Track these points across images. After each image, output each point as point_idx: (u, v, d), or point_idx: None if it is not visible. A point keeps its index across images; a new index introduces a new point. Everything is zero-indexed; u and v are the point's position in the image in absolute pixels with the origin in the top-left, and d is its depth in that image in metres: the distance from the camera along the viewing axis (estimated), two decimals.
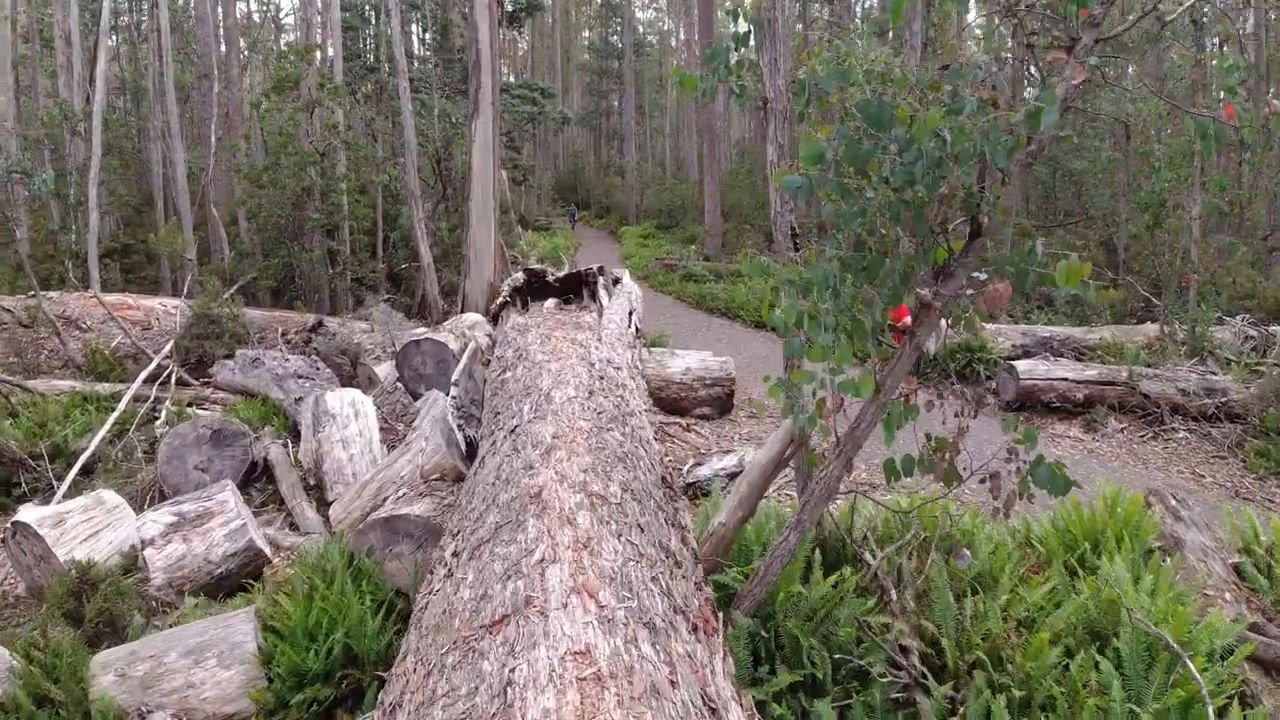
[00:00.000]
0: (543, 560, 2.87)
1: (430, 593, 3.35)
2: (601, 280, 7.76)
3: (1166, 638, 4.36)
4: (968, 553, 4.51)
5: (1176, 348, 14.66)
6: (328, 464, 8.43)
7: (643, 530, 3.34)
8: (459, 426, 7.07)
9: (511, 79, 30.07)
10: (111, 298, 14.32)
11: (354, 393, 8.61)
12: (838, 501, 6.67)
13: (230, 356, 11.52)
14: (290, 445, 9.36)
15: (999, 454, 4.16)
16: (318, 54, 13.79)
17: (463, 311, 13.49)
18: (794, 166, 4.27)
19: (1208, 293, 16.70)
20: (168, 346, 11.91)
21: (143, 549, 6.87)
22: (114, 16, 21.06)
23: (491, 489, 3.87)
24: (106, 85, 15.25)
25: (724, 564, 4.75)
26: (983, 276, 3.79)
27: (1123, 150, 31.82)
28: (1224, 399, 12.27)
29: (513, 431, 4.49)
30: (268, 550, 7.05)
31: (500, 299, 7.65)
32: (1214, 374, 12.98)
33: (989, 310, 3.70)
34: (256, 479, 9.35)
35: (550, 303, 7.59)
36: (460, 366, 7.27)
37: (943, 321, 13.59)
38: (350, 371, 11.16)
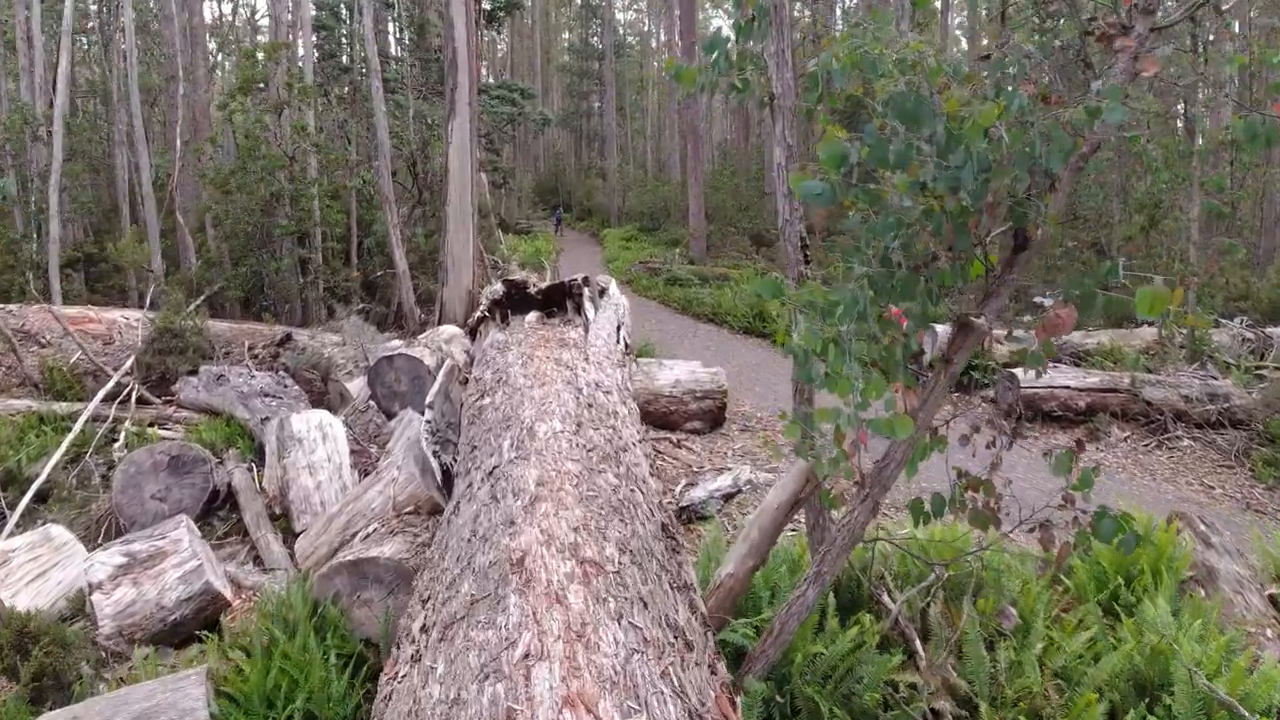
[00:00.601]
0: (528, 656, 2.35)
1: (395, 678, 2.82)
2: (587, 291, 7.23)
3: (1230, 700, 3.88)
4: (1013, 611, 4.01)
5: (1176, 352, 14.30)
6: (294, 491, 7.86)
7: (646, 605, 2.82)
8: (434, 453, 6.51)
9: (491, 80, 29.49)
10: (71, 310, 13.64)
11: (321, 414, 8.04)
12: None
13: (194, 373, 10.91)
14: (256, 469, 8.78)
15: (1052, 502, 3.65)
16: (286, 52, 13.18)
17: (440, 321, 12.91)
18: (806, 169, 3.75)
19: (1204, 294, 16.37)
20: (128, 362, 11.28)
21: (90, 594, 6.27)
22: (83, 17, 20.34)
23: (467, 547, 3.34)
24: (70, 88, 14.58)
25: (730, 620, 4.23)
26: (1047, 300, 3.29)
27: (1115, 150, 31.68)
28: (1227, 404, 11.91)
29: (491, 474, 3.96)
30: (227, 592, 6.47)
31: (478, 313, 7.11)
32: (1215, 379, 12.61)
33: (1049, 338, 3.20)
34: (219, 507, 8.75)
35: (532, 316, 7.06)
36: (435, 387, 6.72)
37: (937, 329, 13.01)
38: (321, 388, 10.57)
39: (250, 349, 11.02)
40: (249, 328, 12.31)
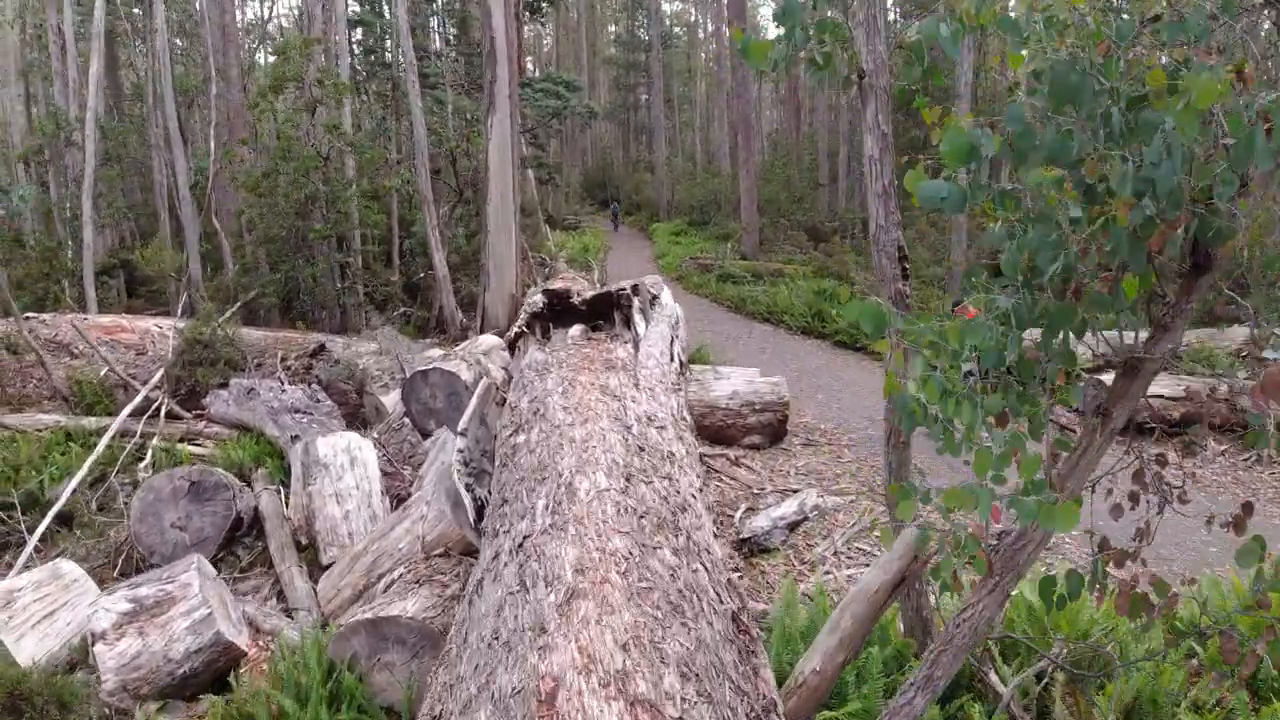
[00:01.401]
0: None
1: None
2: (636, 302, 6.47)
3: None
4: None
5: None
6: (320, 521, 7.26)
7: None
8: (468, 486, 5.82)
9: (535, 74, 28.70)
10: (105, 319, 13.30)
11: (349, 437, 7.42)
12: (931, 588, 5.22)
13: (225, 385, 10.41)
14: (284, 491, 8.22)
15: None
16: (319, 48, 12.64)
17: (482, 328, 12.28)
18: (919, 164, 2.91)
19: None
20: (157, 375, 10.82)
21: (93, 644, 5.72)
22: (124, 19, 20.13)
23: (488, 653, 2.64)
24: (106, 90, 14.26)
25: None
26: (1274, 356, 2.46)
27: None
28: None
29: (521, 546, 3.25)
30: (241, 641, 5.87)
31: (516, 326, 6.39)
32: None
33: (1267, 399, 2.35)
34: (245, 533, 8.22)
35: (575, 331, 6.34)
36: (469, 412, 6.04)
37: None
38: (356, 401, 10.00)
39: (283, 359, 10.50)
40: (284, 336, 11.81)
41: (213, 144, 14.99)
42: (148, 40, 15.18)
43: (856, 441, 10.49)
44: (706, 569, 3.28)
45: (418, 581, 5.28)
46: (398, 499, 8.03)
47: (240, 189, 12.80)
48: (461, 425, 6.05)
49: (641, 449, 4.06)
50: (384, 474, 8.30)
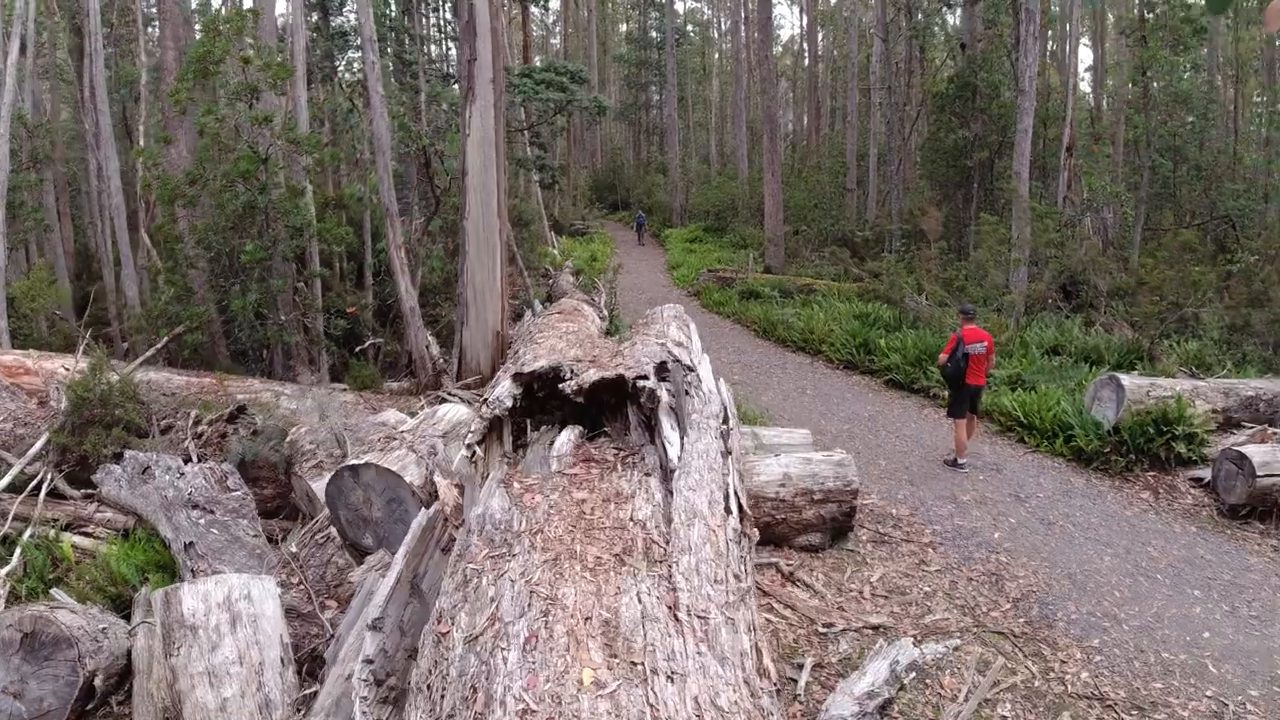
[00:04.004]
0: None
1: None
2: (664, 394, 3.98)
3: None
4: None
5: None
6: (188, 710, 4.84)
7: None
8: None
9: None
10: (7, 358, 10.88)
11: (231, 584, 5.02)
12: None
13: (121, 457, 8.01)
14: None
15: None
16: (251, 23, 10.23)
17: (460, 372, 9.84)
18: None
19: None
20: (39, 442, 8.45)
21: None
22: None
23: None
24: (18, 82, 11.92)
25: None
26: None
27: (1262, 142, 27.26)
28: None
29: None
30: None
31: (472, 438, 3.96)
32: None
33: None
34: (111, 692, 5.88)
35: (565, 441, 3.93)
36: (389, 583, 3.65)
37: (1124, 381, 9.05)
38: (283, 484, 7.63)
39: (195, 423, 8.10)
40: (210, 384, 9.39)
41: (140, 143, 12.62)
42: (86, 22, 12.83)
43: (943, 536, 8.03)
44: None
45: None
46: (313, 659, 5.64)
47: (159, 199, 10.43)
48: (375, 608, 3.64)
49: None
50: (299, 616, 5.90)
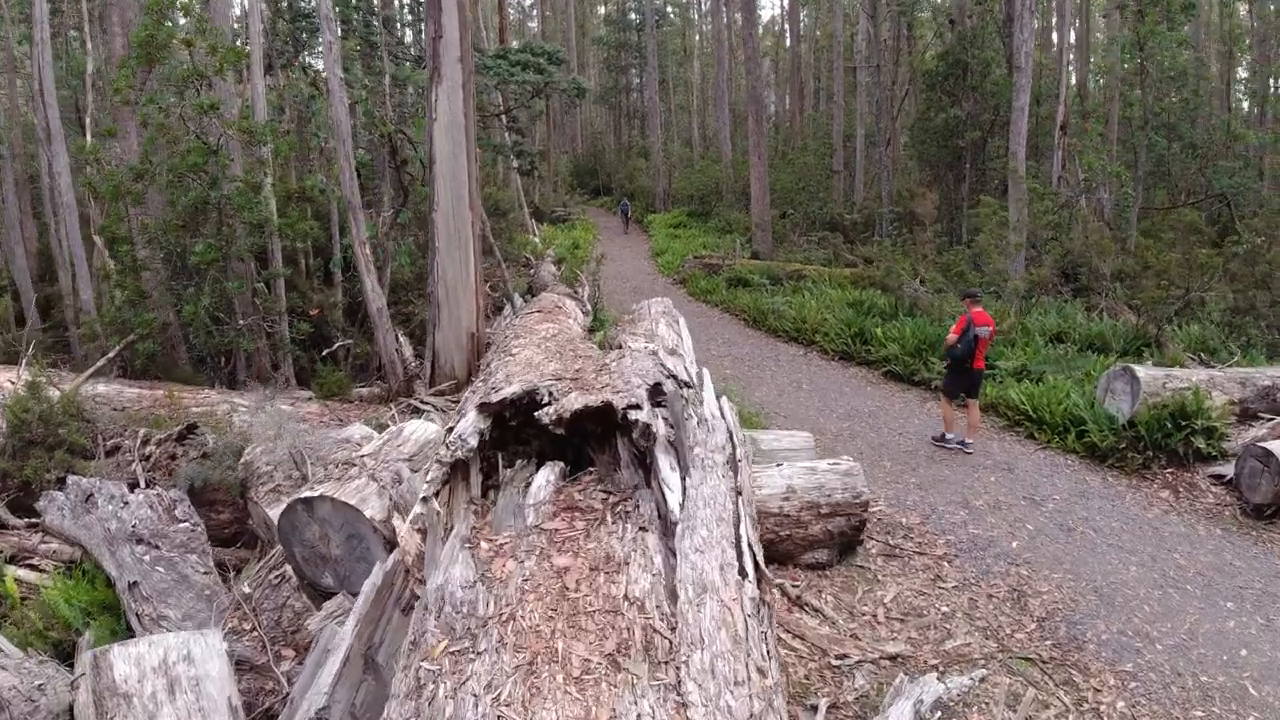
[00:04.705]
0: None
1: None
2: (661, 425, 3.30)
3: None
4: None
5: None
6: None
7: None
8: None
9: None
10: None
11: (169, 644, 4.38)
12: None
13: (64, 483, 7.33)
14: None
15: None
16: (196, 2, 9.45)
17: (433, 377, 9.16)
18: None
19: None
20: None
21: None
22: None
23: None
24: None
25: None
26: None
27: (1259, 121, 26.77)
28: None
29: None
30: None
31: (434, 483, 3.31)
32: None
33: None
34: None
35: (543, 485, 3.28)
36: (332, 670, 3.02)
37: (1140, 373, 8.67)
38: (240, 507, 6.98)
39: (144, 442, 7.40)
40: (164, 396, 8.69)
41: (88, 137, 11.76)
42: (33, 9, 11.93)
43: (958, 547, 7.46)
44: None
45: None
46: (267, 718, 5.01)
47: (104, 196, 9.63)
48: (320, 695, 3.00)
49: None
50: (250, 668, 5.26)
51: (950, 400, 9.81)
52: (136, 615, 6.02)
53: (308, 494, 5.10)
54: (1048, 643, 6.21)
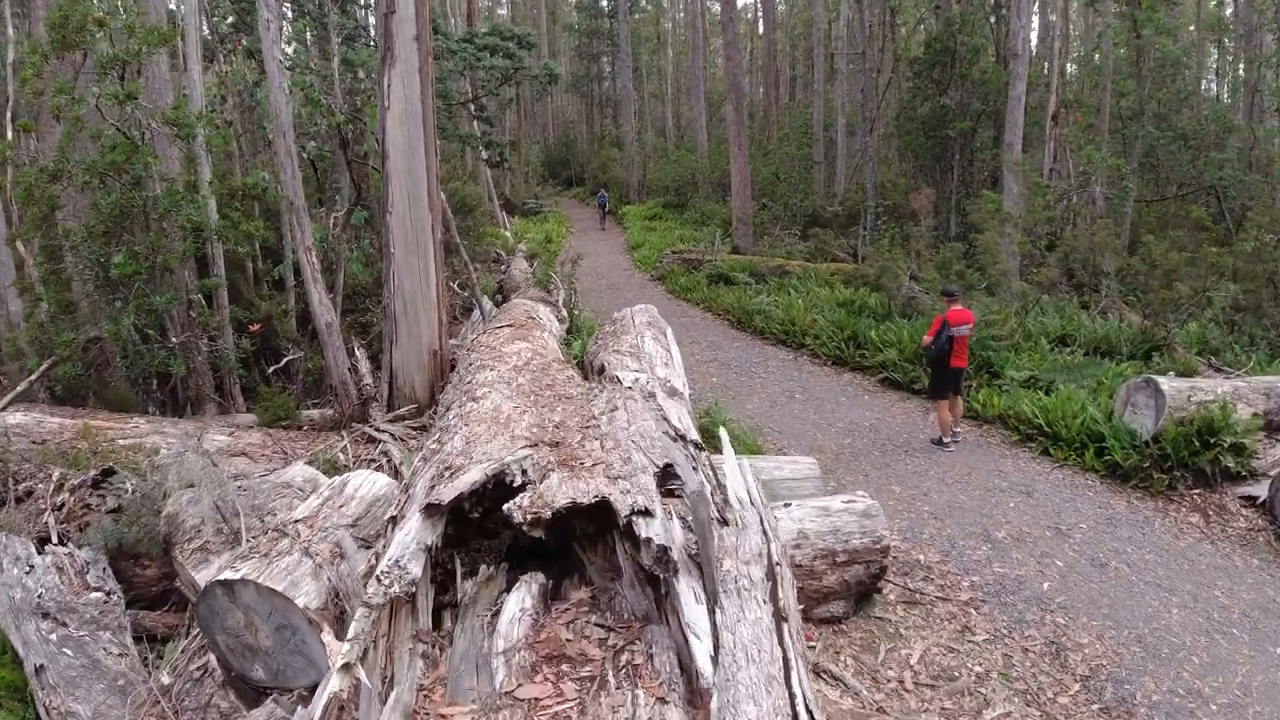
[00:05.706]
0: None
1: None
2: (676, 526, 2.40)
3: None
4: None
5: None
6: None
7: None
8: None
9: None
10: None
11: None
12: None
13: None
14: None
15: None
16: None
17: (391, 400, 8.21)
18: None
19: None
20: None
21: None
22: None
23: None
24: None
25: None
26: None
27: (1246, 112, 26.24)
28: None
29: None
30: None
31: (360, 638, 2.42)
32: None
33: None
34: None
35: (519, 613, 2.41)
36: None
37: (1164, 386, 7.86)
38: (167, 561, 6.04)
39: (58, 487, 6.40)
40: (94, 425, 7.66)
41: (8, 133, 10.59)
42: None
43: (985, 590, 6.68)
44: None
45: None
46: None
47: (17, 201, 8.54)
48: None
49: None
50: None
51: (941, 401, 9.65)
52: (45, 707, 5.09)
53: (228, 575, 4.17)
54: (1095, 707, 5.47)
